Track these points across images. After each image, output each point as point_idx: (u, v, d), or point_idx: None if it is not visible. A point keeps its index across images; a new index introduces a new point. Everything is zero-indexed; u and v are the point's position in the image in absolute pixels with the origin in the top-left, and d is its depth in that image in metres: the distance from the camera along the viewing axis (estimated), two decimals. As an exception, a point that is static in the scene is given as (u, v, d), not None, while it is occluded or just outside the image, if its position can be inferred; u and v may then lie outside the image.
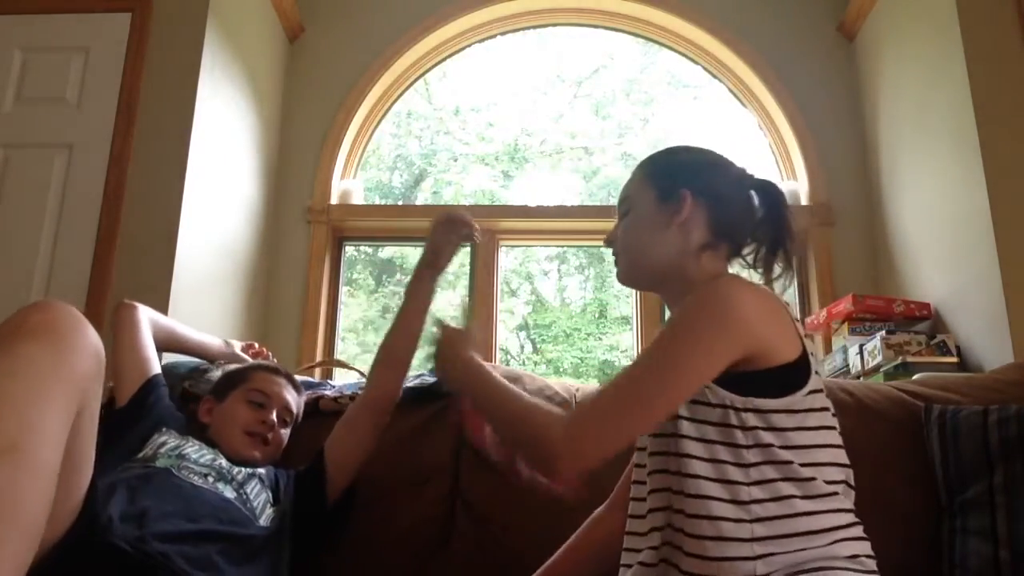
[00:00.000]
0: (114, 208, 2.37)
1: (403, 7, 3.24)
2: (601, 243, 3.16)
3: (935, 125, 2.47)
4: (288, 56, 3.23)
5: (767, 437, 0.92)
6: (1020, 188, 2.15)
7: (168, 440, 1.34)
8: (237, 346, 1.75)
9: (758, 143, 3.20)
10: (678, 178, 1.10)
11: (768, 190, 1.12)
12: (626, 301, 3.21)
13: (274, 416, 1.44)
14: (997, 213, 2.14)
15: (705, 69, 3.27)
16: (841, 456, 0.97)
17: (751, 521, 0.89)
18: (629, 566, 1.02)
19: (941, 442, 1.35)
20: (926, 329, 2.38)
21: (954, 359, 2.21)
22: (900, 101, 2.72)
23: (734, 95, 3.24)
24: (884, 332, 2.26)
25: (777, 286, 1.10)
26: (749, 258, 1.12)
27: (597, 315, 3.36)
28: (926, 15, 2.53)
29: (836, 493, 0.93)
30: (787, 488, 0.91)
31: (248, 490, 1.30)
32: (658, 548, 0.97)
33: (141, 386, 1.45)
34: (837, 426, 0.99)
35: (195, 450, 1.32)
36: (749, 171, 1.15)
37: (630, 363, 0.96)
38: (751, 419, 0.93)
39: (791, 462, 0.92)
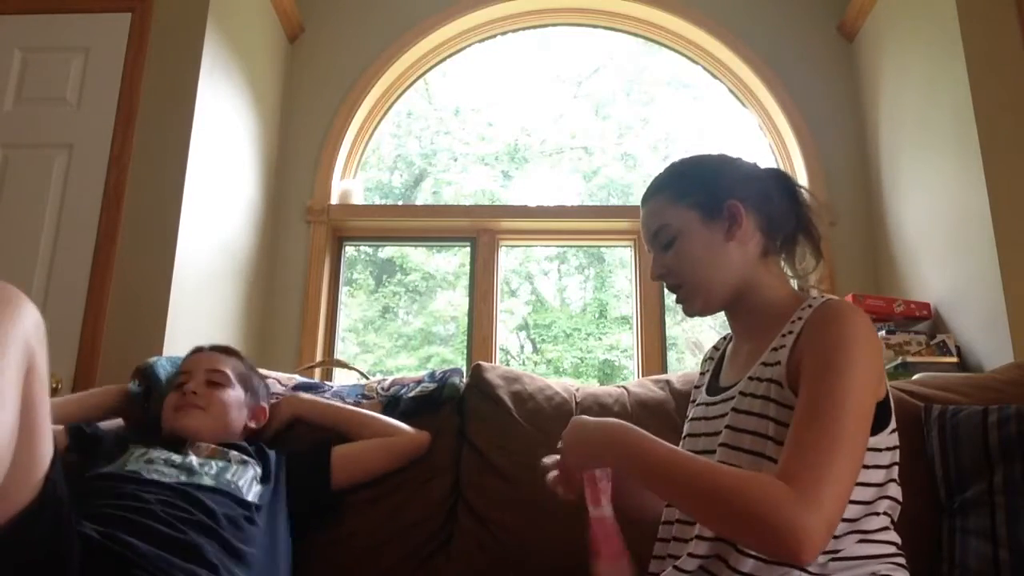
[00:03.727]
0: (114, 208, 2.37)
1: (403, 7, 3.24)
2: (601, 243, 3.20)
3: (935, 125, 2.46)
4: (288, 56, 3.23)
5: None
6: (1020, 188, 2.15)
7: (135, 450, 1.34)
8: None
9: (758, 143, 3.19)
10: (718, 190, 1.06)
11: (782, 177, 1.12)
12: (626, 301, 3.21)
13: (193, 384, 1.44)
14: (997, 213, 2.14)
15: (705, 69, 3.27)
16: (899, 492, 0.96)
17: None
18: (662, 558, 1.00)
19: (941, 442, 1.35)
20: (926, 329, 2.38)
21: (954, 359, 2.21)
22: (900, 101, 2.72)
23: (734, 95, 3.24)
24: (884, 332, 2.26)
25: (813, 278, 1.09)
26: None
27: (597, 315, 3.35)
28: (926, 15, 2.53)
29: (887, 527, 0.94)
30: (849, 526, 0.90)
31: (228, 476, 1.31)
32: (711, 540, 0.94)
33: (68, 432, 1.44)
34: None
35: (163, 454, 1.32)
36: (760, 164, 1.14)
37: (808, 415, 0.86)
38: None
39: (863, 502, 0.92)
